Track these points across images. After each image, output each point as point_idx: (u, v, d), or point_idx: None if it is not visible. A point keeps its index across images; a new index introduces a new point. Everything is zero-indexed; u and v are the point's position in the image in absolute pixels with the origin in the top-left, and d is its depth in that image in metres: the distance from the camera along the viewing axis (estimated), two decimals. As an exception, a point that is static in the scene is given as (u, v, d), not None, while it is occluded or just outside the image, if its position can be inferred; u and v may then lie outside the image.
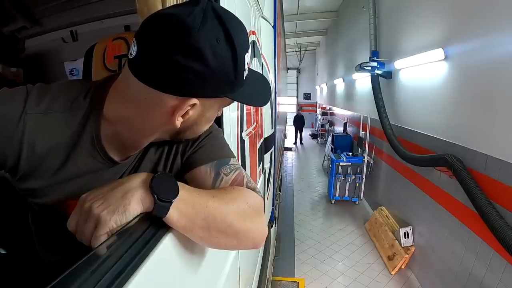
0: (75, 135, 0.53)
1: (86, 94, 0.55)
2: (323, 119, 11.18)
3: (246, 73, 0.53)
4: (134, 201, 0.42)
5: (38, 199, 0.56)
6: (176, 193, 0.45)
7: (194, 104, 0.50)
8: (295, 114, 12.03)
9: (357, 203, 5.39)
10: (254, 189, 0.61)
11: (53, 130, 0.52)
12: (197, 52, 0.44)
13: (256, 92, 0.60)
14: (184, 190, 0.47)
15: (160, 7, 0.66)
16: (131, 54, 0.48)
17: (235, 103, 1.00)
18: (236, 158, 0.65)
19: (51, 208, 0.56)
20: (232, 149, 0.68)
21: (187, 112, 0.51)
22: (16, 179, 0.53)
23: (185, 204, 0.46)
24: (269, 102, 0.68)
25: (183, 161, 0.61)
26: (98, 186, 0.46)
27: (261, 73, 1.01)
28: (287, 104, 12.15)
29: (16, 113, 0.50)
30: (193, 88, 0.48)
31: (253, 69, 0.61)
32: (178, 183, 0.47)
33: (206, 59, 0.45)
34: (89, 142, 0.54)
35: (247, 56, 0.52)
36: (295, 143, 11.65)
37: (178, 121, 0.51)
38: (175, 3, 0.70)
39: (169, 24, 0.44)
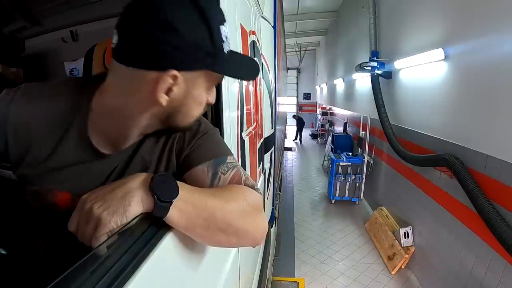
0: (63, 127, 0.55)
1: (75, 87, 0.56)
2: (323, 119, 11.17)
3: (226, 46, 0.53)
4: (134, 202, 0.43)
5: (31, 186, 0.57)
6: (176, 193, 0.45)
7: (175, 78, 0.49)
8: (294, 115, 12.13)
9: (357, 203, 5.39)
10: (252, 187, 0.61)
11: (37, 118, 0.54)
12: (168, 25, 0.45)
13: (243, 67, 0.60)
14: (184, 190, 0.47)
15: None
16: (113, 44, 0.48)
17: (235, 102, 1.00)
18: (234, 155, 0.65)
19: (43, 197, 0.57)
20: (232, 149, 0.68)
21: (171, 89, 0.50)
22: (11, 165, 0.56)
23: (185, 204, 0.47)
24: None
25: (180, 161, 0.60)
26: (86, 178, 0.48)
27: (261, 74, 1.00)
28: (287, 104, 12.17)
29: (4, 103, 0.54)
30: (170, 60, 0.48)
31: None
32: (178, 182, 0.47)
33: (177, 30, 0.46)
34: (77, 134, 0.55)
35: (224, 28, 0.52)
36: (295, 139, 11.70)
37: (163, 99, 0.50)
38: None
39: (139, 3, 0.47)
